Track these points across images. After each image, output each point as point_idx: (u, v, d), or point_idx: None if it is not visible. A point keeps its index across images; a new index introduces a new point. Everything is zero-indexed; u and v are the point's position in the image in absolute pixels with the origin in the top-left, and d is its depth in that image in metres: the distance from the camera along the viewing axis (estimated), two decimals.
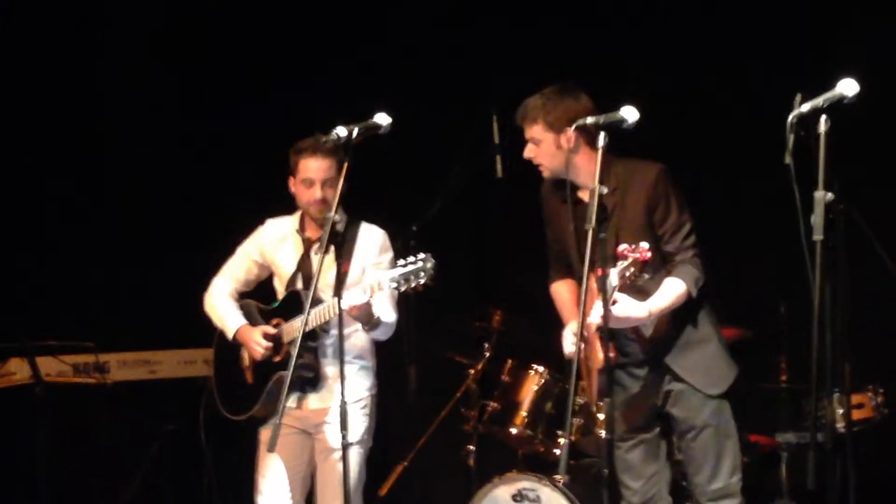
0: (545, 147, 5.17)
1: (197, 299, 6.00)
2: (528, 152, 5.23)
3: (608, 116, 4.84)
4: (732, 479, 5.25)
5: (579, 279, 5.26)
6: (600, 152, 4.74)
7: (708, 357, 5.25)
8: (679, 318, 5.18)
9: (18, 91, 7.70)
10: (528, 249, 5.71)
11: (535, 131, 5.18)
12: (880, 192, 6.39)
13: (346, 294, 5.28)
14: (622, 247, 4.79)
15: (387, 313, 5.64)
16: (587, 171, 5.11)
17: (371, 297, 5.34)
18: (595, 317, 4.83)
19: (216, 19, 7.98)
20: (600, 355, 4.98)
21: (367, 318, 5.50)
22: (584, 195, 5.19)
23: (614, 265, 4.78)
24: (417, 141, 7.07)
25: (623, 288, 4.85)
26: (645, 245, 4.77)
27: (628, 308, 4.97)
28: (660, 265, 5.10)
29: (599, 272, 4.77)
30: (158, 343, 7.67)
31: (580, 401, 6.19)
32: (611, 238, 5.02)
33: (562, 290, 5.55)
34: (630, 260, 4.76)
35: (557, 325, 5.46)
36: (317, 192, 5.63)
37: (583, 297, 4.65)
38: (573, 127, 5.04)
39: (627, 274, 4.77)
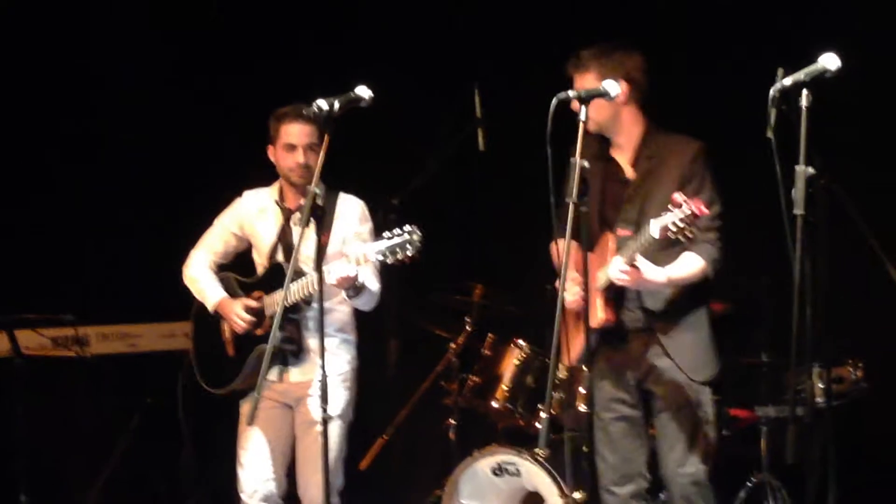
0: (595, 99, 5.04)
1: (177, 272, 5.99)
2: (575, 105, 5.13)
3: (589, 90, 4.84)
4: (703, 467, 5.25)
5: (589, 238, 5.24)
6: (581, 126, 4.73)
7: (698, 342, 5.24)
8: (680, 292, 5.17)
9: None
10: (509, 223, 5.70)
11: (587, 80, 5.12)
12: (862, 167, 6.40)
13: (331, 266, 5.27)
14: (678, 195, 4.74)
15: (371, 282, 5.62)
16: (630, 130, 5.15)
17: (357, 266, 5.33)
18: (614, 271, 4.81)
19: None
20: (600, 314, 4.99)
21: (350, 284, 5.46)
22: (616, 153, 5.21)
23: (657, 216, 4.75)
24: (399, 115, 7.04)
25: (660, 242, 4.82)
26: (701, 200, 4.74)
27: (649, 270, 4.95)
28: (675, 243, 5.02)
29: (619, 232, 4.74)
30: (138, 316, 7.66)
31: (561, 375, 6.18)
32: (637, 206, 5.03)
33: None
34: (683, 209, 4.69)
35: (538, 298, 5.45)
36: (299, 157, 5.62)
37: (564, 260, 4.63)
38: (625, 79, 5.04)
39: (676, 226, 4.70)
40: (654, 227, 4.76)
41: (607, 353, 5.24)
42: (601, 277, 5.07)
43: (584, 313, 4.78)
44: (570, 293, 5.15)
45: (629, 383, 5.28)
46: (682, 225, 4.71)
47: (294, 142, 5.63)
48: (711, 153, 5.18)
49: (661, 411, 5.28)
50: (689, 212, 4.69)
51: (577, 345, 5.24)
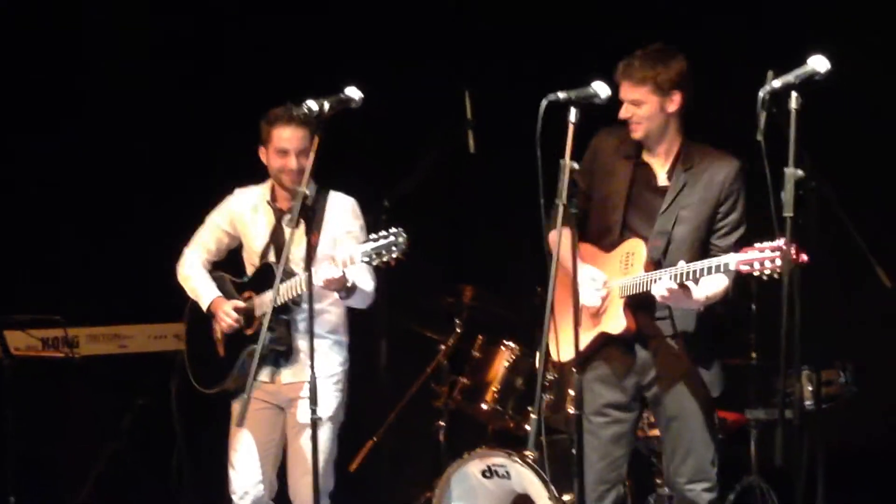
0: (648, 108, 5.06)
1: (167, 273, 5.98)
2: (626, 112, 5.11)
3: (579, 92, 4.84)
4: (714, 475, 5.21)
5: (595, 238, 5.24)
6: (571, 127, 4.73)
7: (714, 356, 5.21)
8: (706, 309, 5.13)
9: None
10: (499, 225, 5.71)
11: (641, 93, 5.09)
12: (850, 169, 6.42)
13: (318, 268, 5.27)
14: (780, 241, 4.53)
15: (365, 281, 5.61)
16: (672, 140, 5.16)
17: (343, 269, 5.32)
18: (659, 289, 4.81)
19: None
20: (622, 322, 4.98)
21: (341, 286, 5.44)
22: (649, 158, 5.19)
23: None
24: (389, 116, 7.05)
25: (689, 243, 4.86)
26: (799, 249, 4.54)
27: (697, 291, 4.88)
28: (700, 256, 4.99)
29: (652, 242, 4.73)
30: (129, 317, 7.65)
31: (550, 377, 6.19)
32: (672, 218, 5.05)
33: (564, 238, 5.22)
34: (776, 260, 4.57)
35: (528, 300, 5.44)
36: (291, 162, 5.60)
37: (554, 261, 4.64)
38: (679, 90, 5.04)
39: (760, 264, 4.62)
40: (733, 261, 4.69)
41: (609, 357, 5.19)
42: (622, 283, 5.05)
43: (575, 314, 4.77)
44: (592, 296, 5.13)
45: (628, 389, 5.24)
46: (763, 267, 4.63)
47: (286, 146, 5.61)
48: (748, 173, 5.13)
49: (670, 420, 5.22)
50: (775, 263, 4.59)
51: (568, 344, 5.20)
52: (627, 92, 5.12)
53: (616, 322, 5.09)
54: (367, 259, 5.16)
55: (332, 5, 7.85)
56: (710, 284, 4.93)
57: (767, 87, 4.22)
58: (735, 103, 4.75)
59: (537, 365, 4.59)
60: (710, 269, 4.78)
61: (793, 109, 4.17)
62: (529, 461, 6.02)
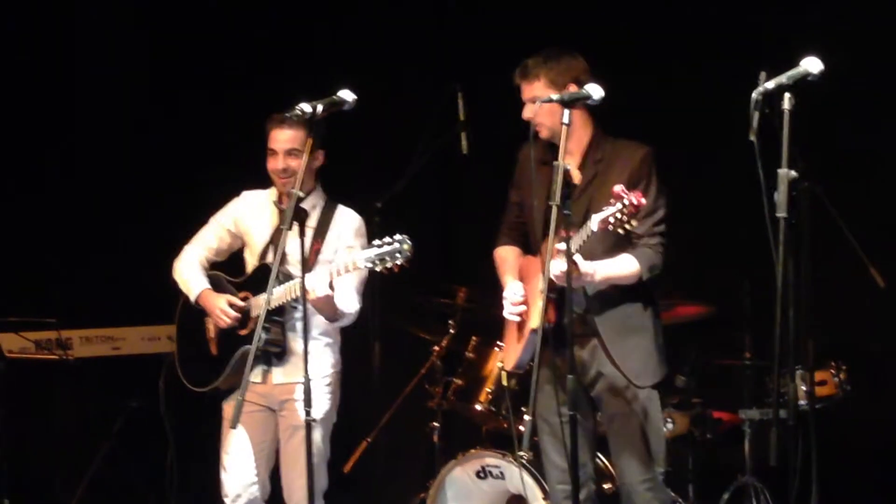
0: (545, 105, 5.06)
1: (161, 275, 5.97)
2: (528, 112, 5.13)
3: (572, 94, 4.86)
4: (657, 471, 5.24)
5: (534, 247, 5.26)
6: (564, 129, 4.75)
7: (642, 347, 5.21)
8: (624, 296, 5.16)
9: None
10: (492, 226, 5.70)
11: (537, 88, 5.14)
12: (845, 169, 6.43)
13: (312, 274, 5.28)
14: (618, 187, 4.75)
15: (349, 303, 5.64)
16: (579, 135, 5.18)
17: (333, 290, 5.36)
18: (555, 269, 4.80)
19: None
20: (540, 316, 4.97)
21: (330, 310, 5.52)
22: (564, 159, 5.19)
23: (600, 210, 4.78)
24: (382, 118, 7.05)
25: (601, 238, 4.84)
26: (640, 192, 4.76)
27: (583, 264, 4.92)
28: (624, 243, 5.08)
29: (563, 233, 4.77)
30: (122, 319, 7.64)
31: (504, 383, 6.24)
32: (582, 208, 5.03)
33: (506, 252, 5.52)
34: (624, 201, 4.70)
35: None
36: (278, 163, 5.65)
37: (547, 268, 4.68)
38: (574, 85, 5.04)
39: (615, 217, 4.72)
40: (594, 221, 4.79)
41: (551, 359, 5.11)
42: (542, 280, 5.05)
43: (524, 319, 4.79)
44: (509, 310, 5.27)
45: (575, 388, 5.23)
46: (621, 217, 4.72)
47: (274, 147, 5.66)
48: (657, 157, 5.18)
49: (610, 420, 5.28)
50: (629, 202, 4.70)
51: (516, 351, 5.30)
52: (525, 92, 5.20)
53: (535, 318, 5.07)
54: (369, 265, 5.17)
55: (326, 6, 7.85)
56: (611, 264, 5.03)
57: (760, 88, 4.22)
58: (728, 104, 4.76)
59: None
60: (582, 240, 4.87)
61: (786, 110, 4.17)
62: (523, 461, 6.02)
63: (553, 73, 5.14)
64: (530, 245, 5.38)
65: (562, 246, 4.75)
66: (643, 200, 4.73)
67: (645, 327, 5.23)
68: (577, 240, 4.90)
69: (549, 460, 5.36)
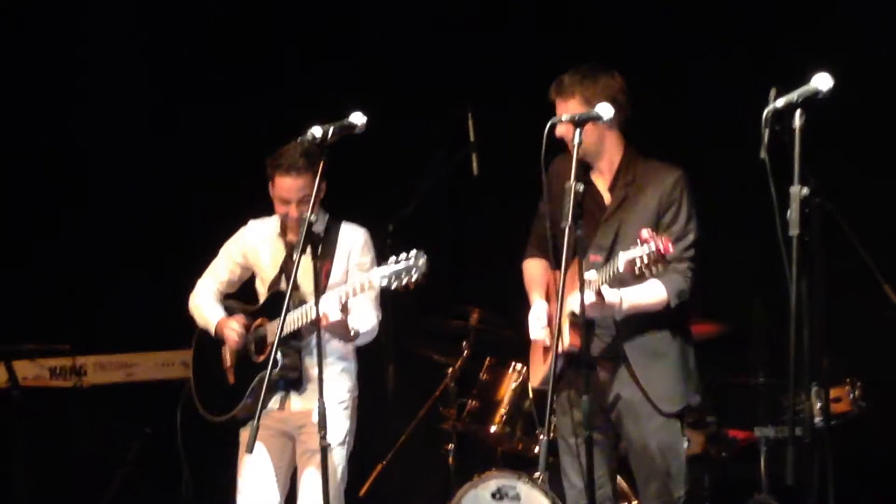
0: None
1: (174, 301, 5.98)
2: (562, 129, 5.07)
3: (583, 114, 4.87)
4: (677, 495, 5.21)
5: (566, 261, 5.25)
6: (575, 149, 4.75)
7: (669, 372, 5.19)
8: (652, 322, 5.14)
9: None
10: (504, 247, 5.70)
11: (571, 106, 5.09)
12: (856, 185, 6.42)
13: (323, 298, 5.28)
14: (646, 232, 4.72)
15: (366, 321, 5.63)
16: (612, 155, 5.18)
17: (347, 312, 5.35)
18: (573, 304, 4.80)
19: (192, 20, 7.96)
20: (566, 340, 4.97)
21: (343, 332, 5.50)
22: (595, 178, 5.21)
23: (625, 249, 4.77)
24: (393, 140, 7.06)
25: (626, 275, 4.81)
26: (669, 237, 4.75)
27: (608, 294, 4.93)
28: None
29: (591, 258, 4.76)
30: (135, 346, 7.65)
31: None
32: (612, 231, 5.04)
33: (535, 267, 5.50)
34: (651, 246, 4.68)
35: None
36: (293, 211, 5.61)
37: (560, 287, 4.67)
38: (610, 102, 4.98)
39: (642, 261, 4.69)
40: (621, 260, 4.76)
41: (574, 380, 5.13)
42: (571, 303, 5.04)
43: (552, 339, 4.79)
44: (535, 329, 5.25)
45: (594, 409, 5.22)
46: (647, 261, 4.69)
47: (286, 196, 5.60)
48: (690, 180, 5.16)
49: (631, 444, 5.25)
50: (655, 249, 4.68)
51: (542, 371, 5.28)
52: (559, 108, 5.14)
53: (562, 342, 5.02)
54: (385, 282, 5.17)
55: (335, 30, 7.87)
56: (638, 292, 5.02)
57: (771, 106, 4.21)
58: (739, 122, 4.76)
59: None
60: (608, 276, 4.85)
61: (797, 127, 4.17)
62: (539, 483, 6.01)
63: (588, 92, 5.09)
64: (557, 259, 5.33)
65: (590, 275, 4.74)
66: (670, 248, 4.70)
67: (673, 351, 5.19)
68: (604, 275, 4.89)
69: (567, 480, 5.35)
